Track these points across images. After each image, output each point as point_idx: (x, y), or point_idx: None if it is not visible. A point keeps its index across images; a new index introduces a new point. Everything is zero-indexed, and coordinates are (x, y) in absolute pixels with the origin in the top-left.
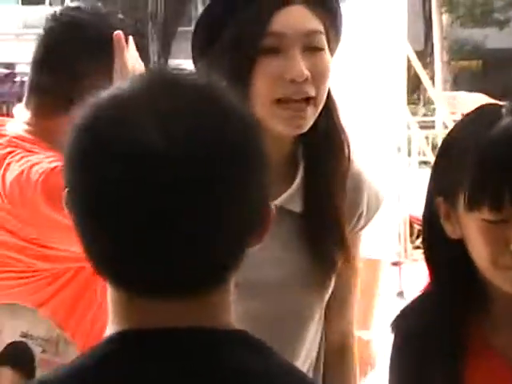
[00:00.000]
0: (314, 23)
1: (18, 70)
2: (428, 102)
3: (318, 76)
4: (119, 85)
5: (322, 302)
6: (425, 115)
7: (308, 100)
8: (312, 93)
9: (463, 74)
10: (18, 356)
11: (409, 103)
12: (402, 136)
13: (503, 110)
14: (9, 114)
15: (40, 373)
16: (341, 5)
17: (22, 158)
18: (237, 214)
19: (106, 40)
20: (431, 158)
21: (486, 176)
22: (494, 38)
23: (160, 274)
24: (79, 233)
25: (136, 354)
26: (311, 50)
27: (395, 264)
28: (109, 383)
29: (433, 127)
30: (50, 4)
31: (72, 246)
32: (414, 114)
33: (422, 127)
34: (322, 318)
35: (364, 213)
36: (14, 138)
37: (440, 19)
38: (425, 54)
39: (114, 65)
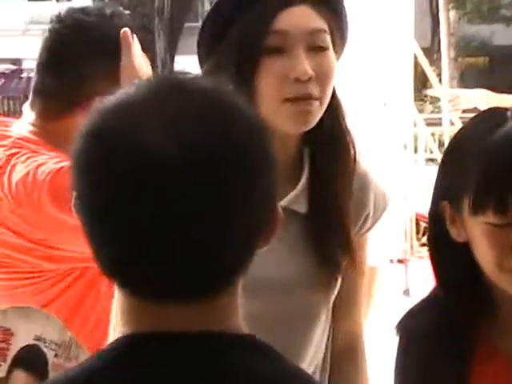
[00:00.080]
0: (318, 22)
1: (24, 65)
2: (435, 99)
3: (323, 76)
4: (126, 90)
5: (327, 303)
6: (432, 112)
7: (313, 98)
8: (316, 93)
9: (470, 71)
10: (32, 359)
11: (416, 100)
12: (409, 133)
13: (508, 114)
14: (16, 110)
15: None
16: (348, 2)
17: (28, 158)
18: (244, 217)
19: (111, 41)
20: (438, 156)
21: (491, 180)
22: (501, 35)
23: (164, 276)
24: (87, 236)
25: (145, 357)
26: (315, 49)
27: (401, 261)
28: None
29: (440, 124)
30: (57, 0)
31: (79, 247)
32: (421, 111)
33: (428, 124)
34: (329, 318)
35: (371, 214)
36: (19, 139)
37: (447, 16)
38: (431, 51)
39: (121, 62)
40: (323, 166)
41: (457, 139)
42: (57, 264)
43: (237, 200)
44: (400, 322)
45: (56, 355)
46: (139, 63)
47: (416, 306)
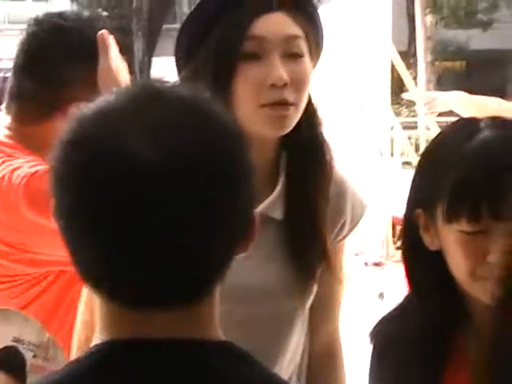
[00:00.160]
0: (293, 29)
1: (1, 65)
2: (411, 103)
3: (298, 82)
4: (105, 97)
5: (304, 309)
6: (408, 116)
7: (288, 104)
8: (292, 98)
9: (447, 75)
10: (10, 361)
11: (393, 104)
12: (386, 137)
13: (481, 124)
14: None
15: (31, 378)
16: (326, 7)
17: (3, 162)
18: (223, 224)
19: (90, 45)
20: (414, 159)
21: (464, 187)
22: (478, 39)
23: (143, 283)
24: (65, 241)
25: (129, 362)
26: (291, 56)
27: (377, 265)
28: None
29: (415, 128)
30: None
31: (56, 250)
32: (398, 114)
33: (405, 128)
34: (306, 324)
35: (348, 221)
36: None
37: (424, 20)
38: (408, 55)
39: (99, 64)
40: (299, 171)
41: (431, 147)
42: (34, 268)
43: (215, 207)
44: (373, 330)
45: (34, 356)
46: (117, 66)
47: (391, 311)
